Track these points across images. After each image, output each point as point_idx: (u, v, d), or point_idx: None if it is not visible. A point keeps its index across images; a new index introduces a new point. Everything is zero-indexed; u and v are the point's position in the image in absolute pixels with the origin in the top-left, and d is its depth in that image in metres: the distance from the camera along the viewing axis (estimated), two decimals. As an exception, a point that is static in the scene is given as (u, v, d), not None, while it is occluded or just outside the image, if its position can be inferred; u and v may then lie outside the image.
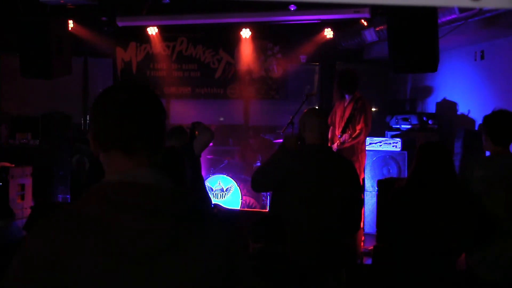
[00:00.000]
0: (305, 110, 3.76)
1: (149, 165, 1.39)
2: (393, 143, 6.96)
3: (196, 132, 4.96)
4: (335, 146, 5.92)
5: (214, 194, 7.63)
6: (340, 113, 6.25)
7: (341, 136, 5.96)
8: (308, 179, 3.44)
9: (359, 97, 6.10)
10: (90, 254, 1.28)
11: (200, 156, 4.91)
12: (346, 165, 3.65)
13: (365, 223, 6.45)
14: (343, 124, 6.09)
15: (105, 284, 1.28)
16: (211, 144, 7.50)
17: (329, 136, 6.24)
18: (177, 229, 1.33)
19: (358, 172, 6.06)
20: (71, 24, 7.99)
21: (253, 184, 3.66)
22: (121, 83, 1.51)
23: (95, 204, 1.33)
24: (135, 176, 1.36)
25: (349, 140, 5.90)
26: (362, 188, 3.66)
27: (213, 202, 6.45)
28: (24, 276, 1.28)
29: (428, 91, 8.38)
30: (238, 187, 7.64)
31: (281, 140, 7.91)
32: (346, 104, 6.21)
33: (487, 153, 3.72)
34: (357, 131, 6.01)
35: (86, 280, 1.27)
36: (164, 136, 1.45)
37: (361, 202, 3.59)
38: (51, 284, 1.27)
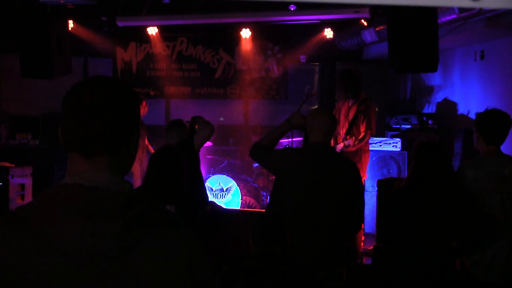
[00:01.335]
0: (313, 109, 3.74)
1: (108, 168, 1.34)
2: (393, 143, 6.96)
3: (196, 126, 4.95)
4: (339, 146, 5.94)
5: (214, 194, 7.63)
6: (344, 112, 6.23)
7: (345, 138, 5.98)
8: (308, 178, 3.44)
9: (363, 98, 6.10)
10: (32, 258, 1.24)
11: (199, 151, 4.90)
12: (348, 166, 3.64)
13: (365, 223, 6.46)
14: (347, 125, 6.11)
15: None
16: (211, 144, 7.52)
17: None
18: (128, 233, 1.28)
19: (361, 173, 6.08)
20: (71, 24, 7.99)
21: (252, 152, 3.67)
22: (88, 79, 1.42)
23: (43, 207, 1.29)
24: (88, 179, 1.31)
25: (355, 144, 5.94)
26: (363, 189, 3.64)
27: (209, 200, 6.42)
28: None
29: (428, 91, 8.38)
30: (238, 187, 7.64)
31: (282, 140, 7.92)
32: (350, 104, 6.20)
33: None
34: (362, 134, 6.03)
35: (27, 285, 1.24)
36: (129, 137, 1.37)
37: (362, 203, 3.57)
38: None
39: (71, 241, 1.24)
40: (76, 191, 1.29)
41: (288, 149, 3.75)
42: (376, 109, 7.16)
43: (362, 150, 6.13)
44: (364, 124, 6.03)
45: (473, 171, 3.42)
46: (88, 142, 1.32)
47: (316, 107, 7.47)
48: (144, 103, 6.76)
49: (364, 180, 6.28)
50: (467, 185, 3.41)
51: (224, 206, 7.51)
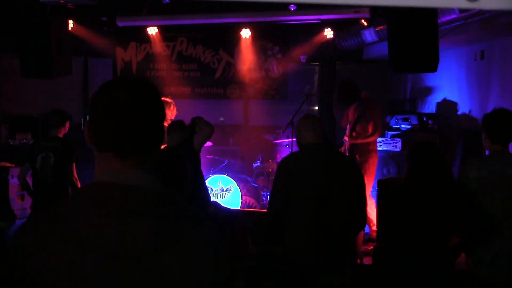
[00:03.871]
0: (299, 118, 3.79)
1: (140, 166, 1.37)
2: (393, 143, 6.96)
3: (196, 127, 4.97)
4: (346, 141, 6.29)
5: (214, 194, 7.62)
6: (351, 114, 6.52)
7: (350, 136, 6.26)
8: (308, 178, 3.43)
9: (362, 98, 6.34)
10: (68, 254, 1.26)
11: (200, 151, 4.91)
12: (349, 164, 3.63)
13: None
14: (351, 125, 6.35)
15: (84, 285, 1.26)
16: (211, 144, 7.52)
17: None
18: (160, 230, 1.31)
19: (365, 172, 6.18)
20: (71, 24, 7.99)
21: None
22: (119, 79, 1.45)
23: (78, 204, 1.32)
24: (122, 177, 1.34)
25: (362, 137, 6.25)
26: (365, 187, 3.63)
27: (212, 200, 6.43)
28: (1, 275, 1.29)
29: (428, 91, 8.37)
30: (238, 187, 7.64)
31: (282, 140, 7.93)
32: (355, 105, 6.46)
33: (487, 153, 3.72)
34: (370, 131, 6.31)
35: (64, 281, 1.26)
36: (160, 136, 1.42)
37: (364, 201, 3.55)
38: (28, 285, 1.26)
39: (108, 237, 1.27)
40: (112, 189, 1.33)
41: (286, 160, 3.70)
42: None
43: (367, 149, 6.33)
44: (370, 123, 6.26)
45: (476, 170, 3.42)
46: (123, 143, 1.35)
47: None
48: (172, 106, 6.49)
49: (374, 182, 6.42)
50: (470, 185, 3.41)
51: (222, 205, 7.52)
